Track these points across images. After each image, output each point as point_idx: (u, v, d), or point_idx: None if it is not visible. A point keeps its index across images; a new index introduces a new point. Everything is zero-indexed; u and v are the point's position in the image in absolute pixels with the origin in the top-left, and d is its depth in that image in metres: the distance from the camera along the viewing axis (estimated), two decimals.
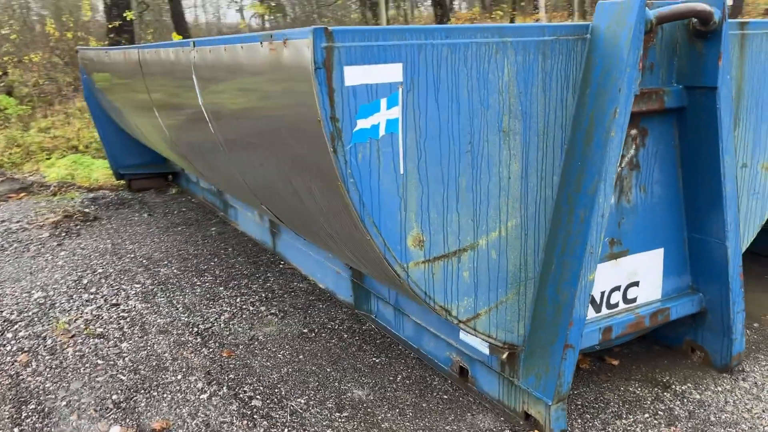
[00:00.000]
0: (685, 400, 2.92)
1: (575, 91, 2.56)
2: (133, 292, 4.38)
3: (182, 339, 3.68)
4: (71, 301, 4.27)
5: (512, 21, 36.37)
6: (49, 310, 4.13)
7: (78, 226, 6.00)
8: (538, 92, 2.47)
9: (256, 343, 3.61)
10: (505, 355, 2.71)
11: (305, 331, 3.74)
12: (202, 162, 4.46)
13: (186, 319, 3.93)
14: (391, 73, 2.17)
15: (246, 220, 5.56)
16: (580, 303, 2.55)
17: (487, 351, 2.85)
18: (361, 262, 2.70)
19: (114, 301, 4.24)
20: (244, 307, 4.09)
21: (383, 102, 2.18)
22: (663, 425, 2.74)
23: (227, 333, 3.74)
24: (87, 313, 4.06)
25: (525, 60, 2.42)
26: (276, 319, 3.90)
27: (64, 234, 5.79)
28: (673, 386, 3.04)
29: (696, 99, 2.78)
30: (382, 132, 2.20)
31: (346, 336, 3.66)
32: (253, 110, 2.81)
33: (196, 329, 3.80)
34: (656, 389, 3.02)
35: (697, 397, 2.95)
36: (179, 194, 7.32)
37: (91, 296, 4.33)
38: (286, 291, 4.31)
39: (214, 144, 3.48)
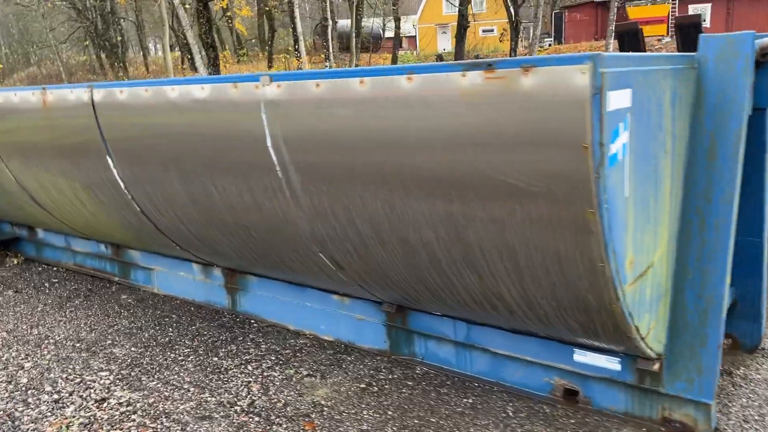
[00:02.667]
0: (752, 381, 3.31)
1: (690, 112, 2.81)
2: (109, 381, 3.61)
3: (237, 422, 3.14)
4: (33, 407, 3.37)
5: (270, 64, 36.64)
6: (13, 428, 3.22)
7: None
8: (677, 114, 2.67)
9: (326, 409, 3.23)
10: (656, 366, 2.82)
11: (363, 386, 3.44)
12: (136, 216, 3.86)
13: (214, 399, 3.36)
14: (626, 98, 2.20)
15: (176, 280, 4.89)
16: (724, 305, 2.78)
17: (617, 367, 2.94)
18: (537, 298, 2.61)
19: (97, 397, 3.45)
20: (266, 374, 3.62)
21: (621, 126, 2.20)
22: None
23: (281, 405, 3.29)
24: (73, 417, 3.25)
25: (674, 85, 2.60)
26: (318, 380, 3.52)
27: None
28: (733, 372, 3.42)
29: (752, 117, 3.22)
30: (620, 156, 2.21)
31: (411, 383, 3.45)
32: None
33: (239, 407, 3.27)
34: (725, 377, 3.37)
35: (759, 376, 3.35)
36: (26, 264, 6.14)
37: (57, 396, 3.47)
38: (292, 350, 3.91)
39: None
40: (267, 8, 35.39)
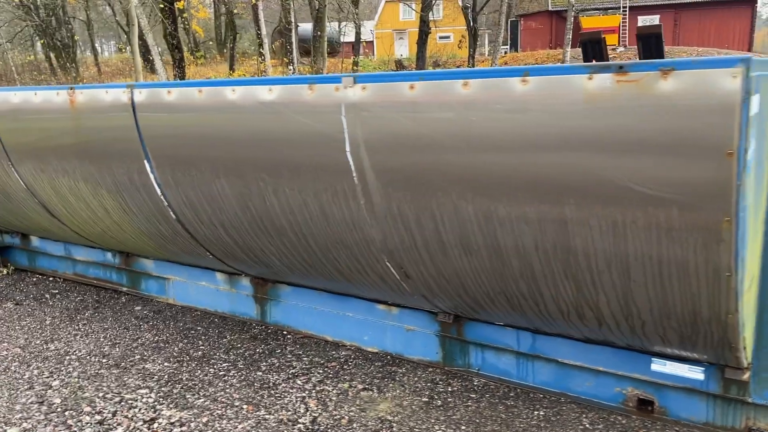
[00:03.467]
0: None
1: None
2: (152, 400, 3.40)
3: None
4: (77, 430, 3.14)
5: (232, 66, 36.04)
6: None
7: None
8: None
9: (395, 424, 3.10)
10: (746, 375, 2.79)
11: (425, 399, 3.32)
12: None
13: (273, 417, 3.18)
14: (757, 103, 2.15)
15: (196, 291, 4.67)
16: None
17: (700, 376, 2.89)
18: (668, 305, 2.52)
19: (145, 417, 3.23)
20: (318, 388, 3.46)
21: (750, 131, 2.14)
22: None
23: (345, 421, 3.14)
24: None
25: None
26: (375, 394, 3.39)
27: None
28: None
29: None
30: (751, 160, 2.16)
31: (474, 396, 3.34)
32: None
33: (302, 425, 3.10)
34: None
35: None
36: (18, 274, 5.81)
37: (99, 417, 3.24)
38: (338, 363, 3.76)
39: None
40: (232, 11, 34.84)
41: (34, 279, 5.67)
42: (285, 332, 4.23)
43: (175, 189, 3.54)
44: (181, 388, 3.51)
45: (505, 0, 31.98)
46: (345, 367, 3.70)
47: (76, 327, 4.47)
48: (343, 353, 3.88)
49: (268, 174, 3.10)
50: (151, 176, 3.59)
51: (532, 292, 2.73)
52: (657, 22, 49.84)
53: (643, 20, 50.25)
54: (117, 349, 4.05)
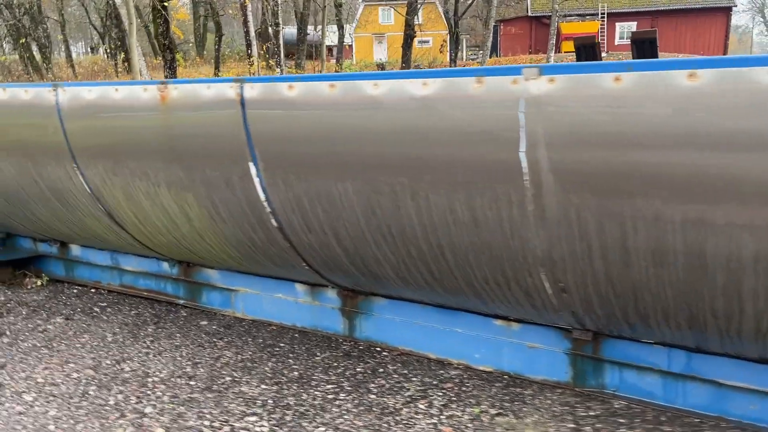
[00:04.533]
0: None
1: None
2: (266, 429, 3.05)
3: None
4: None
5: (217, 68, 35.35)
6: None
7: None
8: None
9: None
10: None
11: (572, 426, 3.03)
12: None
13: None
14: None
15: (270, 303, 4.32)
16: None
17: None
18: None
19: None
20: (446, 413, 3.15)
21: None
22: None
23: None
24: None
25: None
26: (514, 420, 3.09)
27: None
28: None
29: None
30: None
31: (624, 421, 3.06)
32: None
33: None
34: None
35: None
36: (53, 285, 5.39)
37: None
38: (453, 384, 3.45)
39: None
40: (217, 12, 34.23)
41: (75, 291, 5.26)
42: (378, 349, 3.91)
43: (284, 194, 3.21)
44: (293, 414, 3.17)
45: (494, 4, 31.96)
46: (464, 388, 3.39)
47: (144, 344, 4.09)
48: (453, 372, 3.58)
49: (408, 177, 2.79)
50: (256, 180, 3.25)
51: (730, 309, 2.46)
52: (634, 29, 50.48)
53: (621, 26, 50.89)
54: (201, 370, 3.69)
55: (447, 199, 2.74)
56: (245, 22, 26.30)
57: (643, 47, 22.65)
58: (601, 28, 49.11)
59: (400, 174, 2.79)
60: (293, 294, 4.20)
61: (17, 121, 4.05)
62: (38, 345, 4.14)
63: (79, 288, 5.30)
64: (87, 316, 4.64)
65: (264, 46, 27.90)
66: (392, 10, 55.33)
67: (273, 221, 3.39)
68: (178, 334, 4.24)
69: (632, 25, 51.32)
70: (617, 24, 51.35)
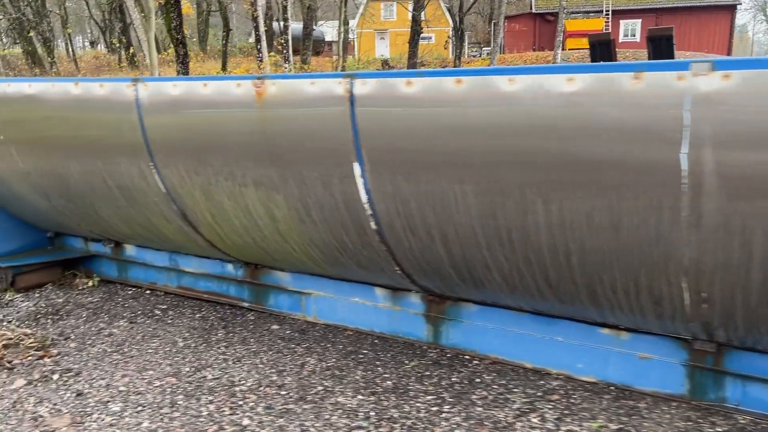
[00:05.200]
0: None
1: None
2: None
3: None
4: None
5: (224, 64, 35.15)
6: None
7: (60, 367, 3.83)
8: None
9: None
10: None
11: None
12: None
13: None
14: None
15: (346, 308, 4.16)
16: None
17: None
18: None
19: None
20: (564, 428, 3.00)
21: None
22: None
23: None
24: None
25: None
26: None
27: (62, 377, 3.62)
28: None
29: None
30: None
31: None
32: None
33: None
34: None
35: None
36: (106, 286, 5.22)
37: None
38: (560, 396, 3.30)
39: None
40: (225, 6, 34.01)
41: (130, 292, 5.09)
42: (467, 357, 3.75)
43: (390, 195, 3.04)
44: (402, 428, 3.01)
45: (504, 1, 31.76)
46: (572, 400, 3.24)
47: (219, 350, 3.92)
48: (555, 383, 3.42)
49: (543, 179, 2.62)
50: (359, 181, 3.08)
51: None
52: (639, 27, 50.39)
53: (625, 24, 50.77)
54: (288, 378, 3.53)
55: (585, 203, 2.58)
56: (254, 18, 26.09)
57: (660, 45, 22.56)
58: (606, 26, 48.96)
59: (533, 176, 2.63)
60: (372, 298, 4.04)
61: (89, 117, 3.87)
62: (108, 350, 3.97)
63: (134, 289, 5.14)
64: (150, 319, 4.47)
65: (278, 42, 27.64)
66: (395, 5, 55.11)
67: (372, 224, 3.22)
68: (251, 340, 4.08)
69: (636, 23, 51.26)
70: (621, 21, 51.17)
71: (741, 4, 53.33)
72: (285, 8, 28.21)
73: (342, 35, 33.10)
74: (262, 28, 25.93)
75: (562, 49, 43.15)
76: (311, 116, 3.08)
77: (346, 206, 3.24)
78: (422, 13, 35.36)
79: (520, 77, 2.52)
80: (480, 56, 50.50)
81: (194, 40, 49.06)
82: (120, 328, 4.33)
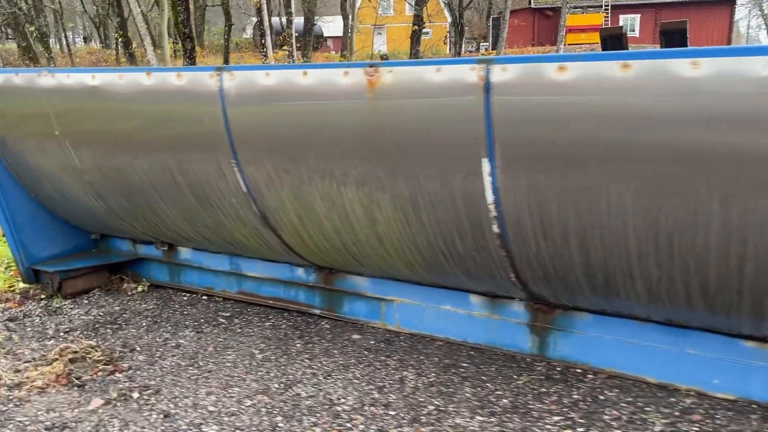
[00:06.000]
0: None
1: None
2: None
3: None
4: None
5: (226, 58, 34.61)
6: None
7: (136, 383, 3.51)
8: None
9: None
10: None
11: None
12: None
13: None
14: None
15: (436, 316, 3.85)
16: None
17: None
18: None
19: None
20: None
21: None
22: None
23: None
24: None
25: None
26: None
27: (142, 399, 3.29)
28: None
29: None
30: None
31: None
32: None
33: None
34: None
35: None
36: (158, 291, 4.89)
37: None
38: (703, 416, 3.00)
39: None
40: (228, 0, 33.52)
41: (185, 298, 4.76)
42: (579, 370, 3.44)
43: (524, 195, 2.73)
44: None
45: None
46: (717, 421, 2.93)
47: (304, 363, 3.61)
48: (689, 401, 3.12)
49: (726, 177, 2.31)
50: (487, 179, 2.76)
51: None
52: (638, 22, 50.25)
53: (625, 19, 50.58)
54: (391, 396, 3.22)
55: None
56: (259, 12, 25.68)
57: (673, 38, 22.32)
58: (605, 21, 48.78)
59: (714, 173, 2.32)
60: (466, 306, 3.73)
61: (162, 111, 3.54)
62: (182, 363, 3.65)
63: (189, 295, 4.81)
64: (217, 328, 4.15)
65: (283, 37, 27.21)
66: (392, 0, 54.79)
67: (494, 226, 2.91)
68: (335, 351, 3.76)
69: (636, 18, 51.15)
70: (621, 16, 50.97)
71: None
72: (289, 2, 27.76)
73: (353, 29, 32.65)
74: (266, 22, 25.52)
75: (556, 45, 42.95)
76: (434, 107, 2.76)
77: (465, 206, 2.92)
78: (425, 7, 35.03)
79: (704, 60, 2.21)
80: (478, 51, 50.20)
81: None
82: (187, 339, 4.00)
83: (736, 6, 52.35)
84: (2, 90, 4.16)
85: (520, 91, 2.55)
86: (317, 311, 4.31)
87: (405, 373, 3.47)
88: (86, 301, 4.71)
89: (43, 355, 3.74)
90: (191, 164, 3.62)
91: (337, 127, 3.03)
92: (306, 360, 3.66)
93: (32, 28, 28.59)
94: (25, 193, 4.71)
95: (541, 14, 53.05)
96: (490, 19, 55.21)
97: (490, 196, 2.83)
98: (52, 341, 3.98)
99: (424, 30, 55.11)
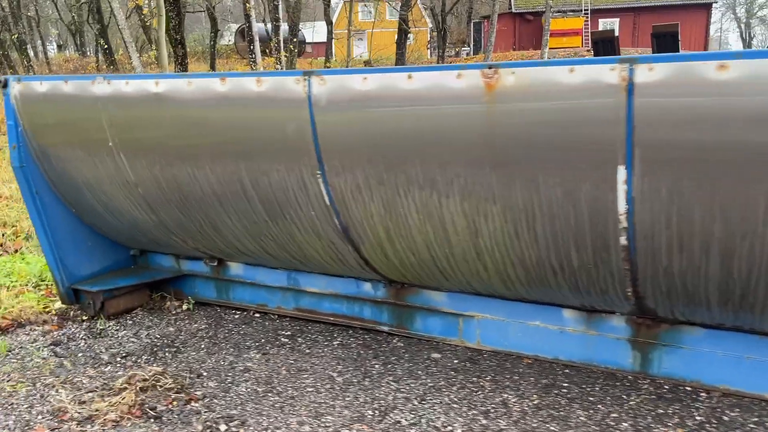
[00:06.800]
0: None
1: None
2: None
3: None
4: None
5: (212, 65, 34.17)
6: None
7: (218, 414, 3.24)
8: None
9: None
10: None
11: None
12: None
13: None
14: None
15: (523, 332, 3.64)
16: None
17: None
18: None
19: None
20: None
21: None
22: None
23: None
24: None
25: None
26: None
27: None
28: None
29: None
30: None
31: None
32: None
33: None
34: None
35: None
36: (205, 309, 4.62)
37: None
38: None
39: None
40: (213, 6, 33.11)
41: (236, 316, 4.49)
42: (688, 388, 3.25)
43: (664, 204, 2.53)
44: None
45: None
46: None
47: (391, 387, 3.38)
48: None
49: None
50: (621, 188, 2.56)
51: None
52: (617, 25, 50.78)
53: (604, 23, 51.05)
54: (501, 422, 3.00)
55: None
56: (247, 18, 25.35)
57: (665, 41, 22.40)
58: (585, 25, 49.21)
59: None
60: (558, 321, 3.52)
61: (237, 118, 3.29)
62: (258, 390, 3.39)
63: (240, 313, 4.54)
64: (282, 349, 3.90)
65: (272, 43, 26.86)
66: (372, 6, 54.77)
67: (623, 239, 2.71)
68: (419, 372, 3.53)
69: (615, 21, 51.66)
70: (600, 20, 51.43)
71: (716, 2, 54.07)
72: (276, 8, 27.47)
73: (350, 34, 32.38)
74: (255, 28, 25.21)
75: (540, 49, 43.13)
76: (564, 111, 2.55)
77: (590, 217, 2.71)
78: (409, 13, 34.96)
79: None
80: (459, 56, 50.29)
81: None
82: (254, 361, 3.74)
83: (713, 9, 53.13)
84: (48, 98, 3.88)
85: (670, 91, 2.35)
86: (385, 328, 4.08)
87: (505, 395, 3.25)
88: (131, 322, 4.43)
89: (106, 384, 3.46)
90: (267, 176, 3.37)
91: (445, 133, 2.81)
92: (392, 383, 3.42)
93: (14, 36, 27.90)
94: (64, 208, 4.41)
95: (522, 19, 53.35)
96: (471, 24, 55.43)
97: (622, 206, 2.62)
98: (109, 367, 3.70)
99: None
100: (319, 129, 3.08)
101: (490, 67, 2.63)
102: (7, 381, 3.54)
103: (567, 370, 3.49)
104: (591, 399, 3.17)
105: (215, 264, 4.54)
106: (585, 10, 49.87)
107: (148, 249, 4.77)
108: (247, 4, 21.87)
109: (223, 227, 3.90)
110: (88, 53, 50.22)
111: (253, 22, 25.16)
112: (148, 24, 35.66)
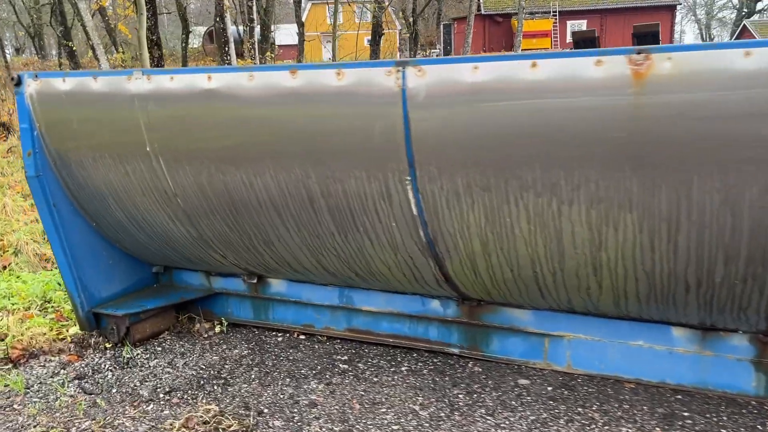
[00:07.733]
0: None
1: None
2: None
3: None
4: None
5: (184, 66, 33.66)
6: None
7: None
8: None
9: None
10: None
11: None
12: None
13: None
14: None
15: (622, 354, 3.25)
16: None
17: None
18: None
19: None
20: None
21: None
22: None
23: None
24: None
25: None
26: None
27: None
28: None
29: None
30: None
31: None
32: None
33: None
34: None
35: None
36: (241, 332, 4.14)
37: None
38: None
39: None
40: (184, 7, 32.27)
41: (279, 338, 4.03)
42: None
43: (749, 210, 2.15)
44: None
45: (474, 0, 31.37)
46: None
47: (489, 422, 2.97)
48: None
49: None
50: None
51: None
52: (584, 27, 51.21)
53: (572, 24, 51.47)
54: None
55: None
56: (222, 19, 24.70)
57: (646, 40, 22.46)
58: (554, 27, 49.54)
59: None
60: (667, 342, 3.15)
61: (311, 116, 2.84)
62: (334, 429, 2.93)
63: (282, 335, 4.07)
64: (344, 377, 3.46)
65: (249, 44, 26.21)
66: (341, 9, 54.28)
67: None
68: (512, 402, 3.12)
69: (582, 23, 52.13)
70: (569, 22, 51.82)
71: (681, 3, 54.98)
72: (250, 9, 26.85)
73: (335, 36, 31.90)
74: (230, 29, 24.57)
75: (510, 49, 43.19)
76: (734, 101, 2.15)
77: (750, 226, 2.33)
78: (383, 14, 34.64)
79: None
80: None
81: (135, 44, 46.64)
82: (317, 393, 3.29)
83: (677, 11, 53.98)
84: (72, 97, 3.37)
85: None
86: (455, 350, 3.65)
87: (621, 428, 2.85)
88: (160, 349, 3.93)
89: (155, 427, 2.97)
90: (342, 183, 2.92)
91: (576, 130, 2.40)
92: (486, 416, 3.00)
93: None
94: (83, 222, 3.90)
95: (491, 20, 53.47)
96: (441, 26, 55.33)
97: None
98: (152, 405, 3.21)
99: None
100: (413, 128, 2.64)
101: (639, 52, 2.22)
102: (35, 426, 3.03)
103: (678, 396, 3.12)
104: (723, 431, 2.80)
105: (254, 281, 4.06)
106: (553, 12, 50.17)
107: (175, 266, 4.27)
108: (225, 4, 21.19)
109: (276, 240, 3.43)
110: (51, 56, 48.77)
111: (228, 23, 24.52)
112: (113, 26, 34.66)
